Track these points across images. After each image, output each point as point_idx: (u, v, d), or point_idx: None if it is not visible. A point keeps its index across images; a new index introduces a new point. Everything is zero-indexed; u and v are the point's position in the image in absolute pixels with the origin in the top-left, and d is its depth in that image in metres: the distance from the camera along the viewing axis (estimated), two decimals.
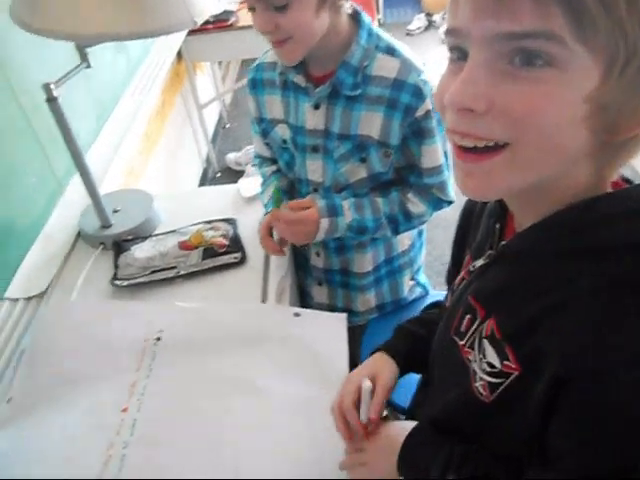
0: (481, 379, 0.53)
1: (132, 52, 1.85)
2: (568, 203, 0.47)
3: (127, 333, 0.99)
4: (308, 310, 1.04)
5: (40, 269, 1.12)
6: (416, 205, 1.07)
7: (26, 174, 1.15)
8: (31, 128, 1.16)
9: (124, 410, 0.88)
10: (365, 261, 1.20)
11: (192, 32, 2.41)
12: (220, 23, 2.46)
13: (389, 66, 0.94)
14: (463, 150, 0.45)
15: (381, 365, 0.76)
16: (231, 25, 2.47)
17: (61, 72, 1.00)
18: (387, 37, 0.98)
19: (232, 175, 3.00)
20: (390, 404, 1.17)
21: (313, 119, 1.02)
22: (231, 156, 3.08)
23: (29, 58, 1.17)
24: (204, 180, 2.90)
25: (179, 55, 2.50)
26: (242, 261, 1.12)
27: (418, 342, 0.78)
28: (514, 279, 0.52)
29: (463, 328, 0.58)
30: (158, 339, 0.98)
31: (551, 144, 0.41)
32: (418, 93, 0.94)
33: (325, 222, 1.03)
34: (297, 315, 1.02)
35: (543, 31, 0.37)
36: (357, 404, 0.70)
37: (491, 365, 0.52)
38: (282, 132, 1.10)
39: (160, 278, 1.08)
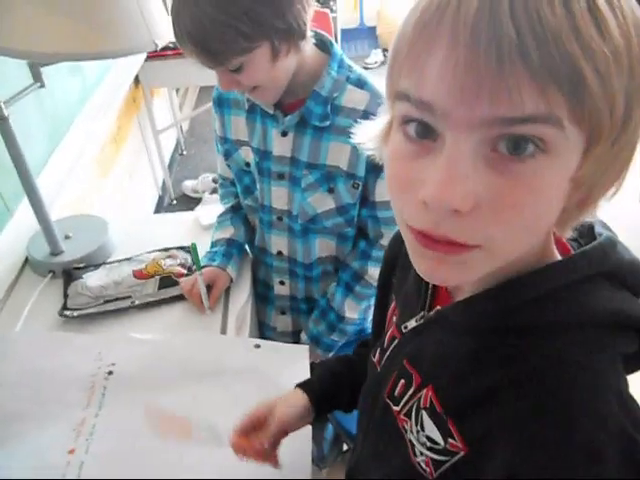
0: (422, 454, 0.48)
1: (88, 74, 1.80)
2: (514, 272, 0.43)
3: (76, 367, 0.93)
4: (269, 342, 1.01)
5: None
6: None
7: None
8: None
9: (71, 452, 0.81)
10: (332, 287, 1.18)
11: (151, 57, 2.38)
12: (179, 49, 2.43)
13: (359, 98, 0.94)
14: (429, 238, 0.38)
15: (286, 399, 0.74)
16: None
17: (11, 91, 0.96)
18: (358, 69, 0.98)
19: (188, 202, 2.95)
20: (341, 429, 1.14)
21: (281, 146, 1.00)
22: (188, 183, 3.03)
23: None
24: (160, 207, 2.83)
25: (136, 80, 2.46)
26: None
27: (338, 380, 0.76)
28: (453, 349, 0.47)
29: (397, 393, 0.53)
30: (110, 373, 0.92)
31: (532, 229, 0.38)
32: None
33: None
34: (257, 347, 0.98)
35: (543, 115, 0.32)
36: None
37: (432, 440, 0.47)
38: (245, 155, 1.07)
39: (113, 308, 1.03)
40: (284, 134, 0.99)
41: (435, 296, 0.53)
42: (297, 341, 1.26)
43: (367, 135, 0.46)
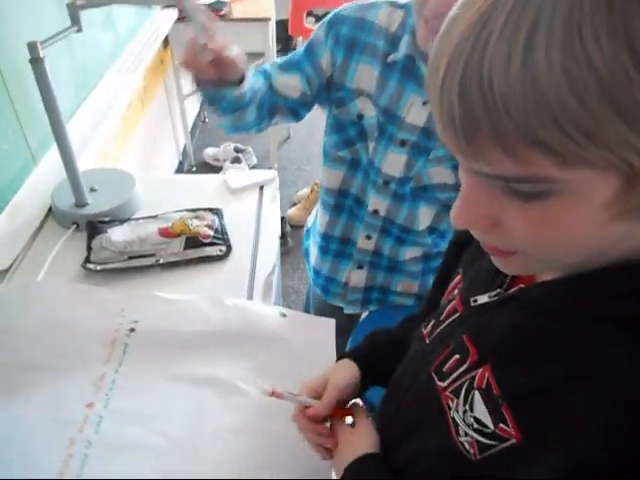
0: (466, 434, 0.46)
1: (120, 28, 1.76)
2: (610, 261, 0.39)
3: (98, 321, 0.91)
4: (295, 312, 0.98)
5: (4, 244, 1.02)
6: None
7: None
8: (5, 90, 1.07)
9: (89, 405, 0.79)
10: (416, 251, 1.13)
11: (181, 18, 2.33)
12: (212, 13, 2.38)
13: None
14: None
15: (338, 368, 0.71)
16: (223, 16, 2.40)
17: (46, 33, 0.92)
18: None
19: (208, 170, 2.91)
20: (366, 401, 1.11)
21: (417, 114, 0.91)
22: (209, 151, 2.99)
23: (13, 13, 1.08)
24: (179, 172, 2.80)
25: (165, 41, 2.41)
26: (227, 254, 1.05)
27: (386, 357, 0.72)
28: (527, 331, 0.44)
29: (447, 368, 0.50)
30: (132, 330, 0.89)
31: (570, 247, 0.37)
32: None
33: None
34: (284, 315, 0.95)
35: (525, 176, 0.32)
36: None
37: (480, 423, 0.44)
38: (363, 107, 0.96)
39: (137, 265, 1.00)
40: (426, 102, 0.89)
41: (516, 276, 0.49)
42: (368, 298, 1.23)
43: None
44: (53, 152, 1.15)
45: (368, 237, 1.13)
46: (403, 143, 0.95)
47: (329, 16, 0.99)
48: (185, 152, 2.93)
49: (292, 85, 1.03)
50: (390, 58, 0.91)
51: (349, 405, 0.69)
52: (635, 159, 0.30)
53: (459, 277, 0.59)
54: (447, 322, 0.55)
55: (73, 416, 0.77)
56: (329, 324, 0.96)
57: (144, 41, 1.96)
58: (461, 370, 0.48)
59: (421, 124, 0.92)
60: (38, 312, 0.90)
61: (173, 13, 2.31)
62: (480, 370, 0.46)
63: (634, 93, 0.28)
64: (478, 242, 0.45)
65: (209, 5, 2.37)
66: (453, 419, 0.47)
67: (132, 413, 0.79)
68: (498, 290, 0.50)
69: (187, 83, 2.80)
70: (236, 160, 2.83)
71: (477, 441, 0.44)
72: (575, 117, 0.28)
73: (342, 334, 1.03)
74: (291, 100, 1.05)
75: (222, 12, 2.39)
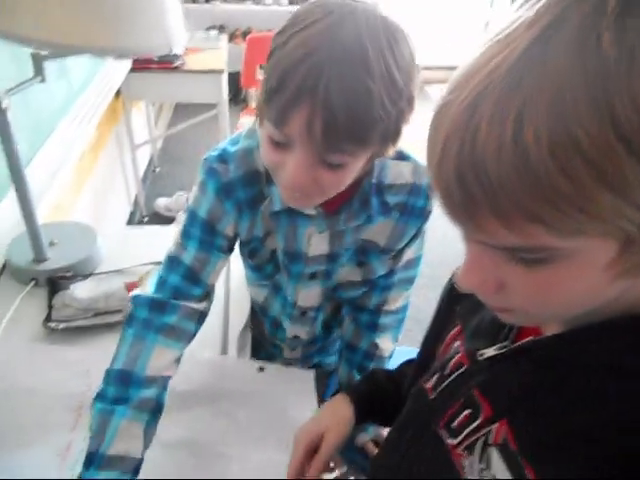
0: None
1: (74, 79, 1.73)
2: (608, 314, 0.39)
3: (62, 385, 0.84)
4: (273, 365, 0.95)
5: None
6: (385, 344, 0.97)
7: None
8: None
9: None
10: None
11: (135, 69, 2.33)
12: (165, 64, 2.39)
13: (404, 171, 0.79)
14: None
15: (335, 415, 0.71)
16: (177, 68, 2.41)
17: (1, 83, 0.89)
18: None
19: (160, 221, 2.85)
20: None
21: (317, 245, 0.82)
22: (161, 201, 2.94)
23: None
24: (131, 223, 2.73)
25: (117, 91, 2.39)
26: None
27: (384, 397, 0.73)
28: (542, 384, 0.43)
29: (456, 424, 0.49)
30: None
31: (574, 304, 0.38)
32: (429, 196, 0.81)
33: None
34: (261, 369, 0.93)
35: (527, 247, 0.33)
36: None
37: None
38: (271, 244, 0.84)
39: (103, 322, 0.95)
40: (321, 231, 0.81)
41: (520, 328, 0.49)
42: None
43: None
44: (4, 206, 1.09)
45: (293, 349, 1.05)
46: (313, 276, 0.87)
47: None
48: (137, 202, 2.87)
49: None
50: (271, 209, 0.78)
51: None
52: (630, 226, 0.31)
53: (457, 328, 0.58)
54: (453, 376, 0.53)
55: None
56: (308, 375, 0.93)
57: (97, 91, 1.93)
58: (474, 426, 0.47)
59: (325, 252, 0.83)
60: None
61: (126, 63, 2.30)
62: (496, 425, 0.45)
63: (623, 168, 0.28)
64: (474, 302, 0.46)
65: (162, 57, 2.38)
66: (465, 477, 0.46)
67: None
68: (505, 342, 0.49)
69: (137, 132, 2.77)
70: None
71: None
72: (567, 196, 0.29)
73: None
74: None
75: (176, 64, 2.40)
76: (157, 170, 3.38)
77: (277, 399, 0.88)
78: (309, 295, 0.90)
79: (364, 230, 0.81)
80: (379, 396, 0.74)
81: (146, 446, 0.71)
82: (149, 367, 0.72)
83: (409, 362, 0.78)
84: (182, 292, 0.77)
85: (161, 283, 0.77)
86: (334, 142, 0.57)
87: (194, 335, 0.79)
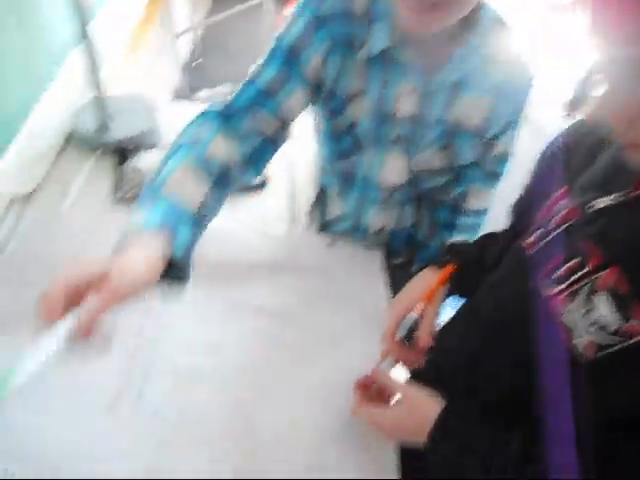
0: (583, 335, 0.47)
1: None
2: None
3: None
4: (342, 242, 0.94)
5: (24, 168, 0.93)
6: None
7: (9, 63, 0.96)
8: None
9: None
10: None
11: None
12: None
13: (504, 42, 0.72)
14: None
15: (427, 290, 0.72)
16: None
17: None
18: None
19: None
20: None
21: (407, 104, 0.76)
22: (204, 93, 2.87)
23: None
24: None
25: None
26: (263, 184, 1.00)
27: (471, 262, 0.74)
28: None
29: (561, 273, 0.50)
30: None
31: None
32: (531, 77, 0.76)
33: None
34: (331, 245, 0.92)
35: None
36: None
37: (601, 322, 0.46)
38: (357, 111, 0.78)
39: None
40: (414, 88, 0.75)
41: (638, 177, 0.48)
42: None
43: None
44: (66, 74, 1.06)
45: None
46: (396, 141, 0.80)
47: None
48: (178, 92, 2.81)
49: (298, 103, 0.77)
50: (364, 54, 0.73)
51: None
52: None
53: (562, 191, 0.56)
54: (558, 230, 0.53)
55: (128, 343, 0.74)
56: (376, 256, 0.93)
57: None
58: (582, 273, 0.48)
59: (413, 113, 0.77)
60: (73, 238, 0.85)
61: None
62: (606, 272, 0.46)
63: None
64: (585, 153, 0.48)
65: None
66: (565, 325, 0.49)
67: (182, 346, 0.76)
68: (622, 192, 0.48)
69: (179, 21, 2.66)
70: None
71: (595, 342, 0.46)
72: None
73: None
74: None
75: None
76: (199, 60, 3.27)
77: (343, 275, 0.88)
78: (393, 168, 0.83)
79: (455, 103, 0.75)
80: (467, 264, 0.74)
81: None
82: (210, 147, 0.68)
83: (490, 235, 0.78)
84: (255, 103, 0.72)
85: (228, 104, 0.73)
86: None
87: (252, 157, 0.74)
